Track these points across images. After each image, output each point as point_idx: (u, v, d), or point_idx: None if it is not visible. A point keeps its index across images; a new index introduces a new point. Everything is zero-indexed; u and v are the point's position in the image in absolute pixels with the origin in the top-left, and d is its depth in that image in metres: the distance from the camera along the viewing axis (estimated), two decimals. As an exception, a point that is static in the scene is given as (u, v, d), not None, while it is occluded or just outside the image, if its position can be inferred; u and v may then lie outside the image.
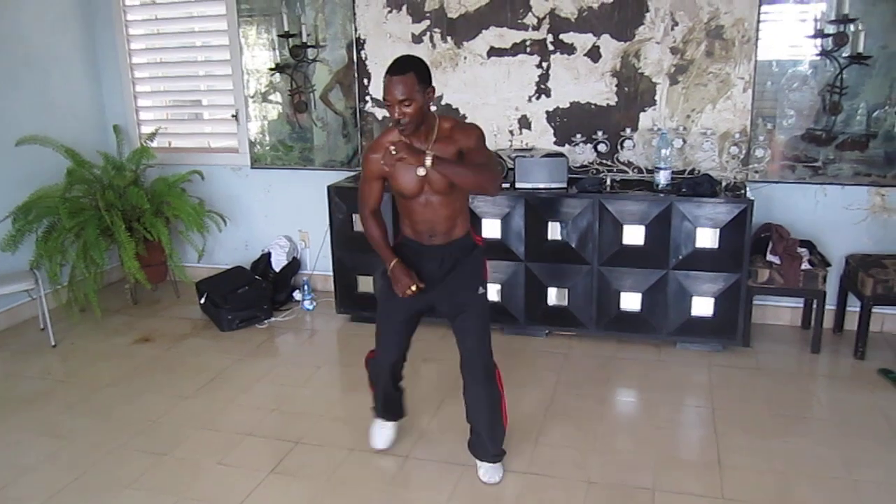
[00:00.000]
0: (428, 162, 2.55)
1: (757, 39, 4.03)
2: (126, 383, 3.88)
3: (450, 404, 3.55)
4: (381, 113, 4.72)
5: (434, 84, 2.65)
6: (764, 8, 4.00)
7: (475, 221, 4.21)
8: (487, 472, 2.94)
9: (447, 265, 2.87)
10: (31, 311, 4.73)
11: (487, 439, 2.92)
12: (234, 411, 3.55)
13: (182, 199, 4.89)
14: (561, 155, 4.23)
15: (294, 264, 5.14)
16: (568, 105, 4.40)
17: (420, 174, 2.63)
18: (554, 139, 4.46)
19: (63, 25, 5.07)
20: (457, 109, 4.58)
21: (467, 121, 4.30)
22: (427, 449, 3.17)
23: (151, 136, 5.23)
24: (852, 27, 3.81)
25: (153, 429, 3.39)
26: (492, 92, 4.50)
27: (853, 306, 4.12)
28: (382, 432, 3.20)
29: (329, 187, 4.46)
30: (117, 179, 4.81)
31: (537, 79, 4.41)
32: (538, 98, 4.44)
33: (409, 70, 2.57)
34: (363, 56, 4.67)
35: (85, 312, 4.71)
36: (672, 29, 4.14)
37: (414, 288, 2.78)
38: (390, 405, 3.17)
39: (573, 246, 4.10)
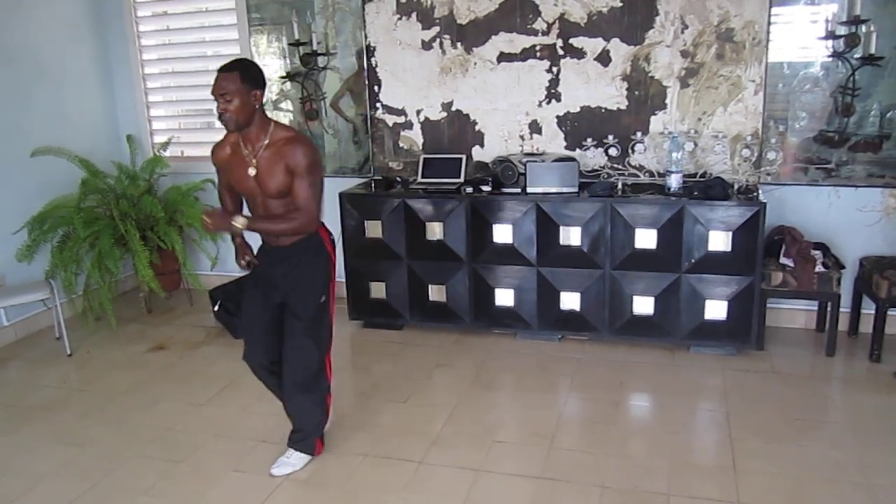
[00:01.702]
0: (239, 225, 2.76)
1: (768, 42, 4.02)
2: (141, 391, 3.90)
3: (463, 409, 3.56)
4: (391, 120, 4.74)
5: (261, 90, 2.79)
6: (774, 10, 3.98)
7: (486, 226, 4.21)
8: (283, 460, 3.11)
9: (290, 268, 2.95)
10: (47, 321, 4.77)
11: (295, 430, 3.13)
12: (249, 418, 3.56)
13: (195, 208, 4.92)
14: (572, 159, 4.23)
15: (306, 271, 5.15)
16: (578, 109, 4.40)
17: (251, 174, 2.79)
18: (565, 144, 4.46)
19: (76, 38, 5.13)
20: (467, 115, 4.59)
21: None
22: (441, 454, 3.17)
23: (164, 146, 5.28)
24: (864, 28, 3.80)
25: (168, 436, 3.41)
26: (502, 97, 4.51)
27: (868, 309, 4.09)
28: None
29: (341, 194, 4.48)
30: (131, 189, 4.85)
31: (547, 84, 4.41)
32: (548, 103, 4.44)
33: (236, 69, 2.73)
34: (373, 63, 4.69)
35: (100, 321, 4.75)
36: (682, 32, 4.13)
37: (249, 259, 3.01)
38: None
39: (585, 250, 4.10)
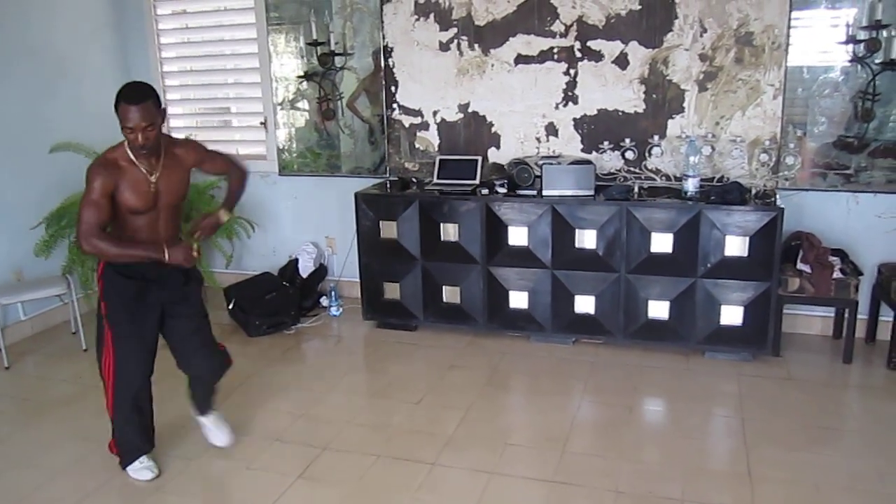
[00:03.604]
0: (225, 218, 3.08)
1: (787, 46, 3.99)
2: (155, 387, 3.90)
3: (476, 411, 3.55)
4: (408, 120, 4.74)
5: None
6: (794, 14, 3.96)
7: (501, 228, 4.21)
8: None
9: (178, 278, 2.98)
10: (64, 316, 4.80)
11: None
12: (262, 417, 3.57)
13: (211, 206, 4.93)
14: (588, 162, 4.21)
15: (321, 270, 5.17)
16: (595, 112, 4.38)
17: (153, 189, 2.80)
18: (581, 146, 4.45)
19: (96, 36, 5.17)
20: (484, 117, 4.58)
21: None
22: (454, 456, 3.16)
23: (181, 144, 5.29)
24: (885, 33, 3.76)
25: (181, 434, 3.42)
26: (519, 99, 4.50)
27: (886, 315, 4.06)
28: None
29: (356, 194, 4.49)
30: (148, 186, 4.86)
31: (564, 86, 4.40)
32: (565, 105, 4.43)
33: (149, 97, 2.68)
34: (391, 64, 4.69)
35: (115, 317, 4.77)
36: (701, 35, 4.11)
37: (196, 247, 2.92)
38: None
39: (600, 253, 4.09)
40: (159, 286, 2.93)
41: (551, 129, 4.49)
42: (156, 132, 2.70)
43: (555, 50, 4.37)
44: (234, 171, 3.15)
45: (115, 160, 2.77)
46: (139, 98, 2.66)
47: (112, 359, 2.95)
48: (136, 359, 2.96)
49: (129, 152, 2.77)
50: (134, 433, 3.06)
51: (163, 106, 2.76)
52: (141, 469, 3.06)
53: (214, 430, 3.27)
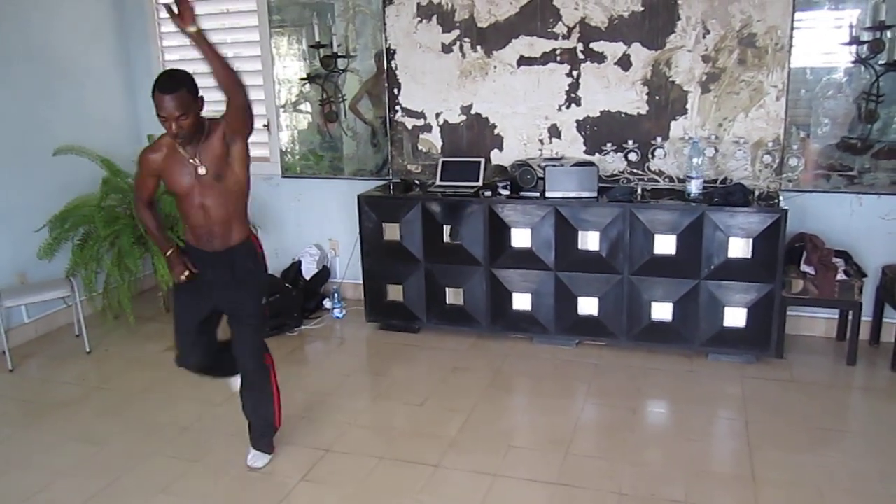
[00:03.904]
0: (192, 29, 2.65)
1: (790, 47, 3.98)
2: (159, 390, 3.92)
3: (480, 413, 3.55)
4: (410, 122, 4.74)
5: (202, 95, 2.78)
6: (798, 15, 3.95)
7: (504, 230, 4.21)
8: (254, 457, 3.17)
9: (227, 273, 2.94)
10: (67, 318, 4.81)
11: (256, 431, 3.19)
12: (265, 419, 3.57)
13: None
14: (591, 164, 4.21)
15: (324, 273, 5.17)
16: (598, 114, 4.38)
17: (201, 172, 2.78)
18: (584, 148, 4.45)
19: (99, 38, 5.18)
20: (487, 119, 4.58)
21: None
22: (457, 458, 3.16)
23: (184, 146, 5.30)
24: (889, 34, 3.76)
25: (185, 435, 3.43)
26: (521, 101, 4.50)
27: (890, 318, 4.05)
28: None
29: (359, 196, 4.49)
30: (151, 188, 4.87)
31: (567, 88, 4.40)
32: (568, 107, 4.42)
33: (182, 86, 2.67)
34: (393, 66, 4.70)
35: (119, 319, 4.78)
36: (704, 37, 4.11)
37: (188, 273, 2.92)
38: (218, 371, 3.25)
39: (604, 255, 4.08)
40: (210, 284, 2.96)
41: (554, 131, 4.48)
42: (189, 121, 2.69)
43: (557, 51, 4.37)
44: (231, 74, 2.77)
45: (161, 145, 2.84)
46: (172, 87, 2.66)
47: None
48: (184, 328, 3.06)
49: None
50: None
51: (200, 96, 2.76)
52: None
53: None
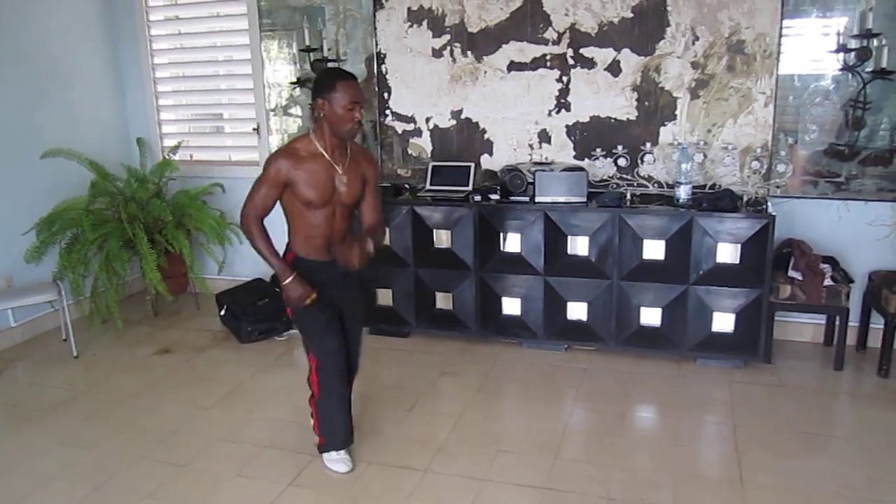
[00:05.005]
0: (371, 248, 2.86)
1: (779, 54, 4.01)
2: (146, 394, 3.90)
3: (468, 418, 3.55)
4: (401, 127, 4.75)
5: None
6: (786, 22, 3.98)
7: (494, 234, 4.22)
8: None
9: (340, 276, 2.99)
10: (54, 322, 4.78)
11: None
12: (254, 423, 3.56)
13: (203, 212, 4.93)
14: (581, 169, 4.22)
15: (313, 277, 5.15)
16: (588, 119, 4.40)
17: (342, 181, 2.84)
18: (574, 153, 4.46)
19: (88, 40, 5.15)
20: (477, 123, 4.59)
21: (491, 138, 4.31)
22: (446, 463, 3.16)
23: (174, 149, 5.29)
24: (875, 42, 3.78)
25: (173, 440, 3.41)
26: (511, 106, 4.51)
27: (877, 323, 4.07)
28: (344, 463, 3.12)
29: (349, 200, 4.48)
30: (140, 192, 4.86)
31: (557, 93, 4.42)
32: (558, 112, 4.44)
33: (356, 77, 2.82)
34: (383, 70, 4.70)
35: (106, 323, 4.76)
36: (693, 43, 4.13)
37: (311, 299, 2.88)
38: (346, 418, 3.12)
39: (593, 260, 4.09)
40: (328, 290, 2.98)
41: (544, 136, 4.50)
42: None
43: (547, 57, 4.39)
44: (377, 220, 3.06)
45: (297, 150, 2.83)
46: (353, 76, 2.77)
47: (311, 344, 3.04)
48: (328, 335, 2.99)
49: (317, 144, 2.83)
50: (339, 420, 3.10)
51: None
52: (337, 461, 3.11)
53: None
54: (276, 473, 3.10)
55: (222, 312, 4.75)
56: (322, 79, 2.84)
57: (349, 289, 3.09)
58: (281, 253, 2.96)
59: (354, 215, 3.06)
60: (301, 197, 2.83)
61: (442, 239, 4.34)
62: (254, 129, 5.18)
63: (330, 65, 4.78)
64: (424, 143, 4.74)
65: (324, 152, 2.83)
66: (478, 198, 4.28)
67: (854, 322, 4.15)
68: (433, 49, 4.58)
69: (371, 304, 4.46)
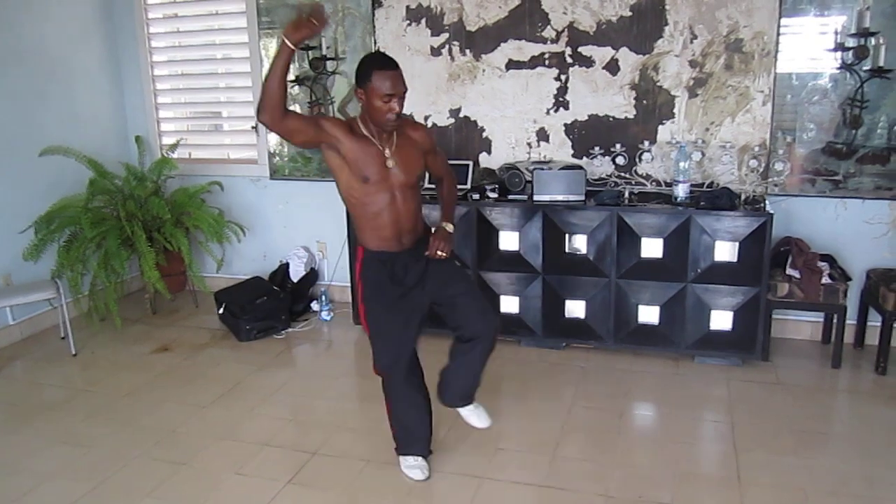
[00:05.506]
0: (451, 229, 2.91)
1: (776, 52, 4.02)
2: (145, 392, 3.90)
3: (467, 416, 3.55)
4: (399, 125, 4.74)
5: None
6: (784, 21, 3.99)
7: (492, 233, 4.22)
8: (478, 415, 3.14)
9: (422, 263, 2.89)
10: (53, 320, 4.78)
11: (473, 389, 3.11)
12: (252, 421, 3.56)
13: (202, 210, 4.93)
14: (579, 167, 4.23)
15: (312, 275, 5.16)
16: (586, 118, 4.40)
17: (390, 166, 2.74)
18: (572, 152, 4.47)
19: (87, 38, 5.15)
20: (475, 122, 4.59)
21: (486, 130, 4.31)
22: (444, 461, 3.16)
23: (173, 148, 5.29)
24: (873, 40, 3.79)
25: (172, 438, 3.41)
26: (510, 104, 4.51)
27: (874, 321, 4.08)
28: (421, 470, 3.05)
29: (347, 199, 4.48)
30: (139, 190, 4.86)
31: (555, 91, 4.42)
32: (556, 111, 4.44)
33: (397, 66, 2.67)
34: (382, 68, 4.69)
35: (105, 322, 4.76)
36: (691, 42, 4.14)
37: (314, 7, 2.61)
38: (423, 419, 3.06)
39: (591, 258, 4.10)
40: (412, 284, 2.89)
41: (542, 135, 4.50)
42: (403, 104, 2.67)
43: (546, 55, 4.39)
44: (449, 177, 3.06)
45: (354, 124, 2.74)
46: (394, 64, 2.64)
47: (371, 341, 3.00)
48: (389, 340, 2.96)
49: (363, 127, 2.73)
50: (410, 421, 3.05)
51: None
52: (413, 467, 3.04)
53: (474, 415, 3.13)
54: (274, 471, 3.11)
55: (221, 311, 4.75)
56: (361, 66, 2.68)
57: (439, 265, 2.90)
58: (351, 248, 2.90)
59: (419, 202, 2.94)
60: (358, 173, 2.71)
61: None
62: (252, 128, 5.18)
63: (328, 63, 4.78)
64: (423, 142, 4.73)
65: (370, 137, 2.73)
66: (476, 196, 4.28)
67: (851, 320, 4.15)
68: (432, 47, 4.58)
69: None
